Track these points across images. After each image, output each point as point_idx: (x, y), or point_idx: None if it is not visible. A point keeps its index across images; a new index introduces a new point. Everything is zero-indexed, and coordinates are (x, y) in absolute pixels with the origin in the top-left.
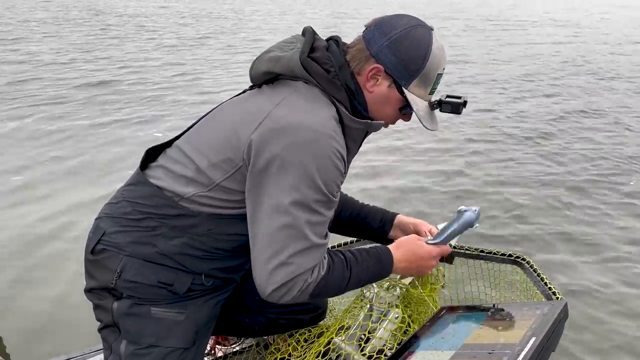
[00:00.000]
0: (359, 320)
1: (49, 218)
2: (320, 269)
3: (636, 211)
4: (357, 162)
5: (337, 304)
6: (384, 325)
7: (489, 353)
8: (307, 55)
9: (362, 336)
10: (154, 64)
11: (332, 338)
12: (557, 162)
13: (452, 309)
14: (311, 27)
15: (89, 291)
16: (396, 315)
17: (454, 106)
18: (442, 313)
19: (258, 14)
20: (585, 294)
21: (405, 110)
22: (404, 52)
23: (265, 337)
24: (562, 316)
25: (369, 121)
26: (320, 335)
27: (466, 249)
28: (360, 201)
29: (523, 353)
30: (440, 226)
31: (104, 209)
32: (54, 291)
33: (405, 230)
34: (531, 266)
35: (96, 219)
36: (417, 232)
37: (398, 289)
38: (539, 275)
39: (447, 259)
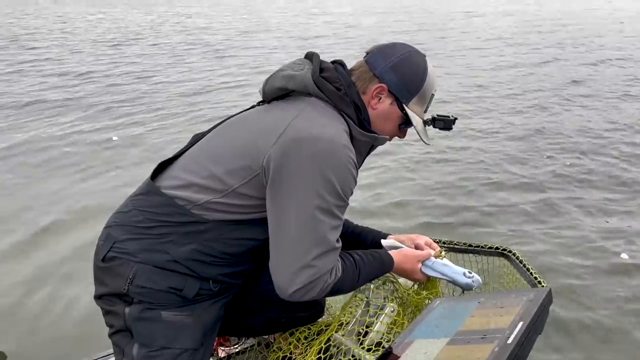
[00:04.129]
0: (356, 315)
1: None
2: (337, 271)
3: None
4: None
5: (334, 301)
6: (380, 319)
7: (482, 338)
8: (318, 75)
9: (361, 330)
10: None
11: (332, 334)
12: (536, 155)
13: (445, 300)
14: (315, 52)
15: (99, 298)
16: (392, 309)
17: (446, 123)
18: (436, 304)
19: None
20: (567, 282)
21: (403, 127)
22: (405, 73)
23: (266, 337)
24: (546, 301)
25: (375, 135)
26: (320, 332)
27: (455, 244)
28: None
29: (512, 336)
30: (446, 261)
31: (113, 218)
32: (56, 300)
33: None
34: (517, 257)
35: (106, 227)
36: (416, 246)
37: (392, 284)
38: (524, 265)
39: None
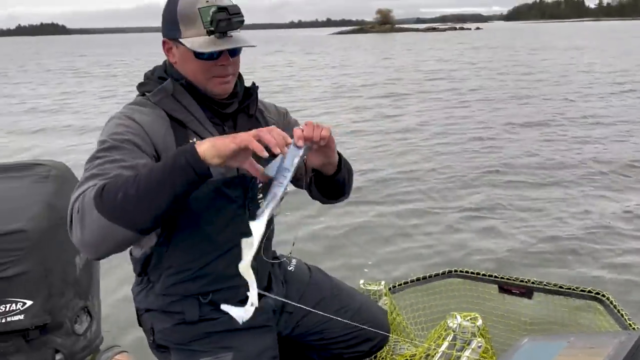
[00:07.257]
0: (442, 348)
1: None
2: (93, 188)
3: None
4: None
5: (418, 336)
6: (467, 354)
7: None
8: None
9: None
10: None
11: None
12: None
13: (533, 339)
14: None
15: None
16: (479, 344)
17: (223, 20)
18: (523, 342)
19: None
20: None
21: (201, 57)
22: (164, 16)
23: None
24: (639, 344)
25: (163, 86)
26: None
27: (545, 284)
28: None
29: None
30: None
31: None
32: None
33: None
34: (611, 302)
35: None
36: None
37: (480, 320)
38: (618, 311)
39: (526, 294)
